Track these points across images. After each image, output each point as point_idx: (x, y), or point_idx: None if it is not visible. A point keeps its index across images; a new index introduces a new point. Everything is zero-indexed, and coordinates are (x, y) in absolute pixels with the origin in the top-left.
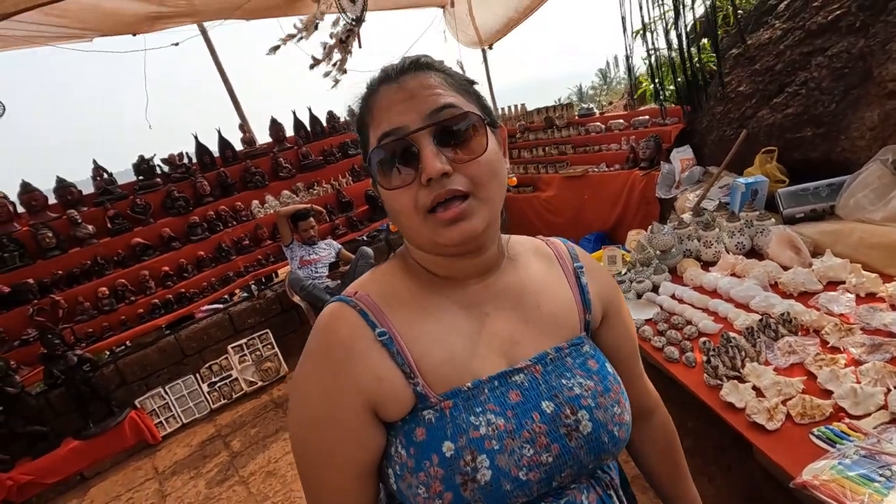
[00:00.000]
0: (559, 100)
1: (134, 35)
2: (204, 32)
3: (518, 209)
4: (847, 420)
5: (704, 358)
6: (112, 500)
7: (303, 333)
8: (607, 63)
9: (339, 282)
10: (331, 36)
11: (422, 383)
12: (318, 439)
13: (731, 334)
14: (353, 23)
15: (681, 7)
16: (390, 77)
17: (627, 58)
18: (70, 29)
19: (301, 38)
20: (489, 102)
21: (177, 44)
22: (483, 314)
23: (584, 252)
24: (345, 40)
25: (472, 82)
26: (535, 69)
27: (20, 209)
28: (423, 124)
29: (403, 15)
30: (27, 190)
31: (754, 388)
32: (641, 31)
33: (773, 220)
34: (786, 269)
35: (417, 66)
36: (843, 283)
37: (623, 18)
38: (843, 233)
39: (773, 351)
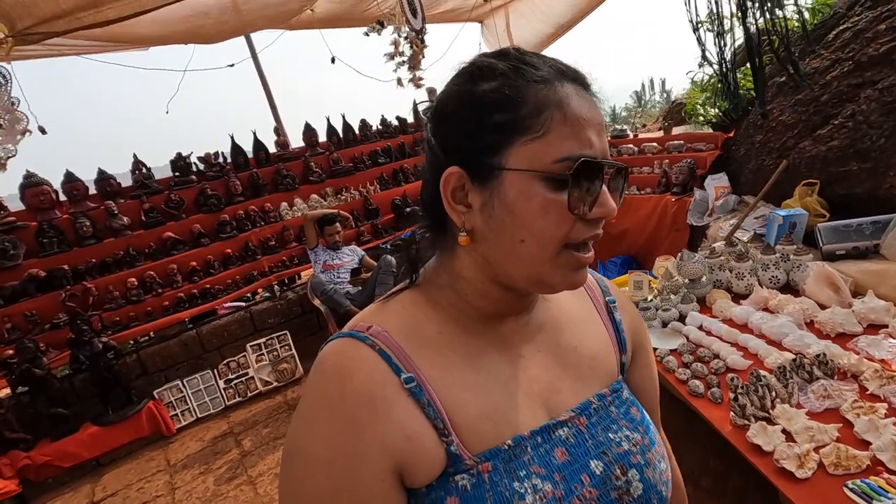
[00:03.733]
0: None
1: (185, 45)
2: (251, 48)
3: None
4: (886, 475)
5: (732, 395)
6: (124, 488)
7: (321, 337)
8: (642, 85)
9: (359, 288)
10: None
11: (456, 441)
12: None
13: (762, 372)
14: (417, 34)
15: (738, 21)
16: (580, 81)
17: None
18: (126, 43)
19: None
20: None
21: (232, 65)
22: (518, 357)
23: (613, 284)
24: (418, 48)
25: None
26: None
27: (62, 198)
28: (610, 160)
29: (440, 27)
30: (70, 179)
31: (784, 431)
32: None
33: (811, 255)
34: (823, 307)
35: (592, 88)
36: (886, 326)
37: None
38: (888, 274)
39: (806, 394)
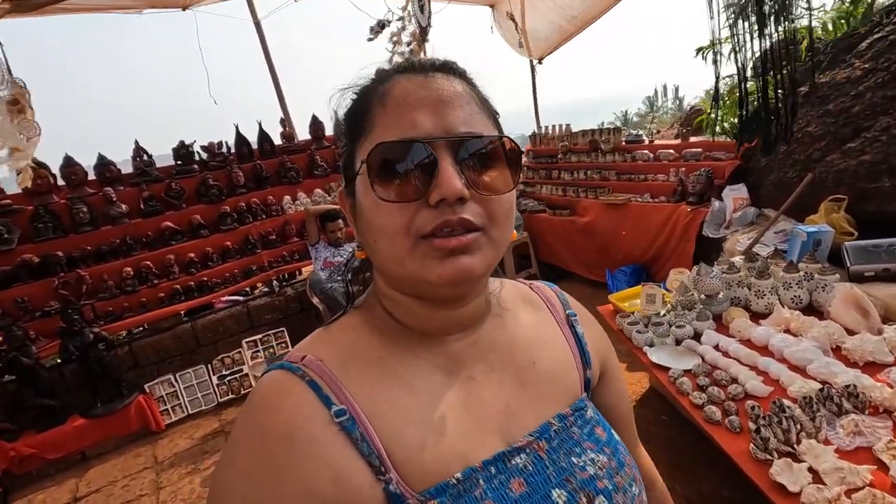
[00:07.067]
0: (602, 124)
1: (184, 10)
2: (257, 25)
3: (553, 232)
4: None
5: (753, 426)
6: (108, 484)
7: None
8: (655, 91)
9: (360, 287)
10: (399, 41)
11: (395, 479)
12: None
13: (786, 402)
14: (422, 32)
15: (756, 31)
16: (415, 69)
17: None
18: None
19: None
20: (533, 118)
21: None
22: (469, 379)
23: (574, 299)
24: (418, 47)
25: (498, 114)
26: (580, 90)
27: (60, 182)
28: (448, 135)
29: (452, 12)
30: (69, 164)
31: (811, 470)
32: (711, 51)
33: (837, 275)
34: (850, 332)
35: (451, 69)
36: None
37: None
38: None
39: (834, 429)
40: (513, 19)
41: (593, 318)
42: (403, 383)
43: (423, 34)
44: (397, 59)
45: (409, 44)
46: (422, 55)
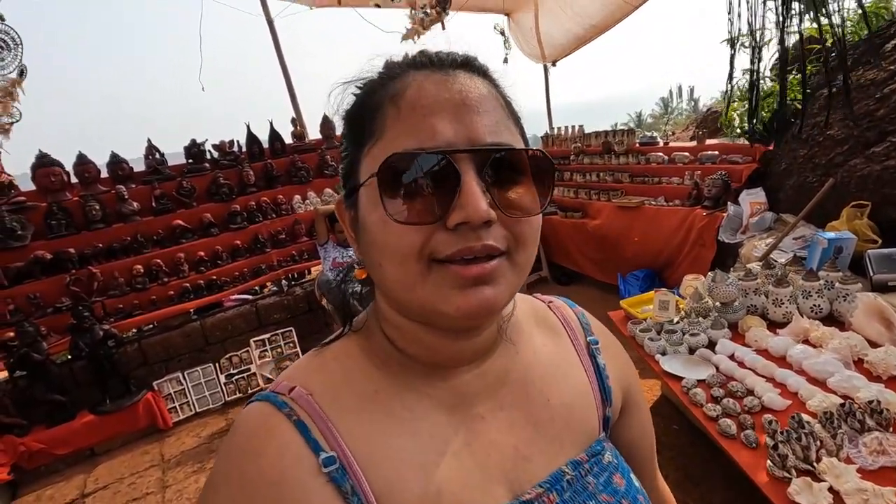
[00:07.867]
0: (615, 125)
1: None
2: (270, 23)
3: (564, 234)
4: None
5: (770, 442)
6: (115, 481)
7: (326, 335)
8: (670, 92)
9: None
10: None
11: None
12: None
13: (805, 417)
14: (441, 2)
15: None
16: (433, 64)
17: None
18: None
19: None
20: (545, 120)
21: None
22: (476, 418)
23: (597, 321)
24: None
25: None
26: (593, 91)
27: (73, 179)
28: (473, 146)
29: (465, 19)
30: (82, 161)
31: (831, 490)
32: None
33: (859, 284)
34: (873, 345)
35: (473, 66)
36: None
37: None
38: None
39: (857, 446)
40: (501, 30)
41: (617, 344)
42: (403, 423)
43: (442, 3)
44: (418, 30)
45: (424, 6)
46: (440, 26)
